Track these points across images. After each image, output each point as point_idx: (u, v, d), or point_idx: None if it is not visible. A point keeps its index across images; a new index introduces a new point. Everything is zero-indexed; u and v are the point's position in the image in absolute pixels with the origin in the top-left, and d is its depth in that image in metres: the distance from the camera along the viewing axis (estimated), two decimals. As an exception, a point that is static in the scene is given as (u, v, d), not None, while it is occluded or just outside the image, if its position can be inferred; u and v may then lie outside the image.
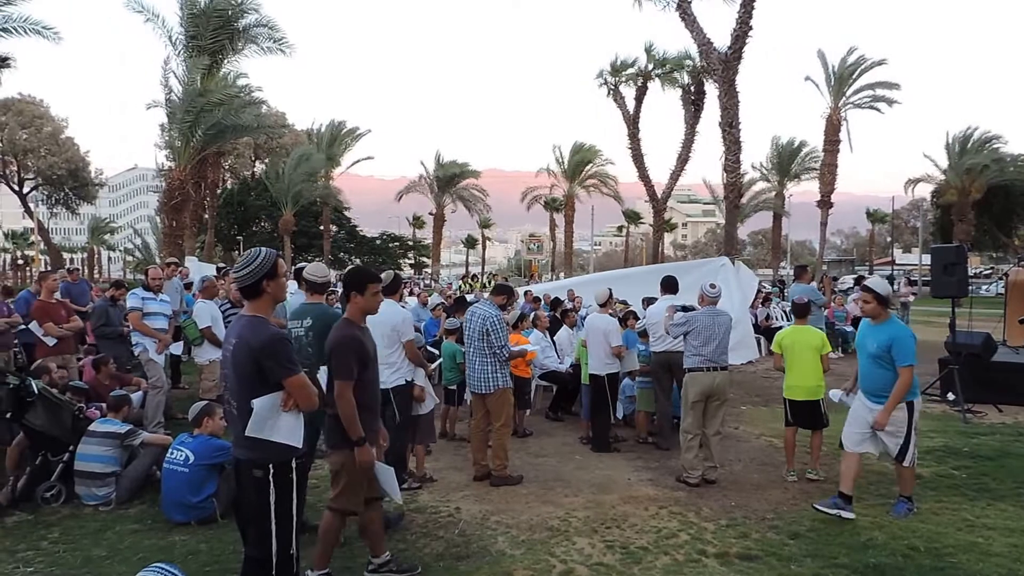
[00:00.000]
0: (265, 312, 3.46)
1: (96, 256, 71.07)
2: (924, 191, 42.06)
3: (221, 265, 16.50)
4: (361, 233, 56.61)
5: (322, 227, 47.97)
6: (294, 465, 3.41)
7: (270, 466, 3.35)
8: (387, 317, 6.00)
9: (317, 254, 49.73)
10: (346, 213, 54.14)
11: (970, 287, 11.29)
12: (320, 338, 4.70)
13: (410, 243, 60.77)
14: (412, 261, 61.24)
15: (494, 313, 6.66)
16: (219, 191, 43.40)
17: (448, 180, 49.42)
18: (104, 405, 6.69)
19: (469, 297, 14.57)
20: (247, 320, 3.42)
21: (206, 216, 35.09)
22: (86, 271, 62.25)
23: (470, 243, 73.06)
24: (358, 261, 50.10)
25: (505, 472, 6.62)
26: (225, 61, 24.20)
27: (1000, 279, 26.41)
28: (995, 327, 12.08)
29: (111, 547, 5.00)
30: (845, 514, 5.43)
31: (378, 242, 57.51)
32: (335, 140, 45.61)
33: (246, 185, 50.51)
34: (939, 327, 16.63)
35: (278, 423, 3.35)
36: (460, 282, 34.92)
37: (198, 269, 14.67)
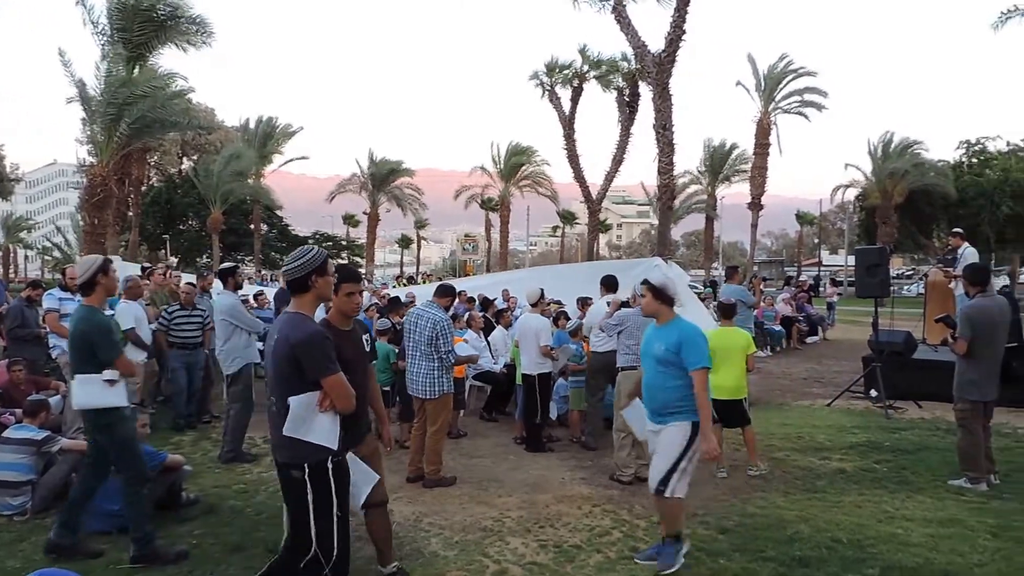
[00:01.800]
0: (309, 309, 3.51)
1: (12, 255, 67.93)
2: (851, 194, 43.47)
3: (146, 265, 15.94)
4: (293, 232, 55.60)
5: (252, 226, 46.94)
6: (330, 466, 3.43)
7: (305, 466, 3.38)
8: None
9: (247, 253, 48.64)
10: (278, 212, 53.07)
11: (892, 287, 11.77)
12: None
13: (344, 243, 59.92)
14: (346, 261, 60.40)
15: (443, 317, 6.63)
16: (144, 188, 42.01)
17: (383, 179, 48.88)
18: (19, 411, 6.39)
19: (404, 298, 14.43)
20: (289, 316, 3.48)
21: (130, 214, 33.91)
22: (0, 271, 59.48)
23: (405, 243, 72.45)
24: (290, 261, 49.14)
25: (438, 474, 6.59)
26: (152, 54, 23.53)
27: (920, 279, 27.59)
28: (916, 326, 12.59)
29: (26, 559, 4.78)
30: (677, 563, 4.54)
31: (311, 242, 56.55)
32: (267, 137, 44.67)
33: (173, 183, 49.05)
34: (863, 326, 17.26)
35: (314, 423, 3.37)
36: (395, 282, 34.56)
37: (122, 269, 14.12)
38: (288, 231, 54.91)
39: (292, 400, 3.33)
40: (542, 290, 8.95)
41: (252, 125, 45.34)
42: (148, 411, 8.49)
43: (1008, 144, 40.18)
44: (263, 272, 38.41)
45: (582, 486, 6.63)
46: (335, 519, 3.43)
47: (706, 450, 4.52)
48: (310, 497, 3.38)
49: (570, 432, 8.53)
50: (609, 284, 8.26)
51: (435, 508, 5.93)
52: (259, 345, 9.02)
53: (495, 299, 13.54)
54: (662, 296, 4.70)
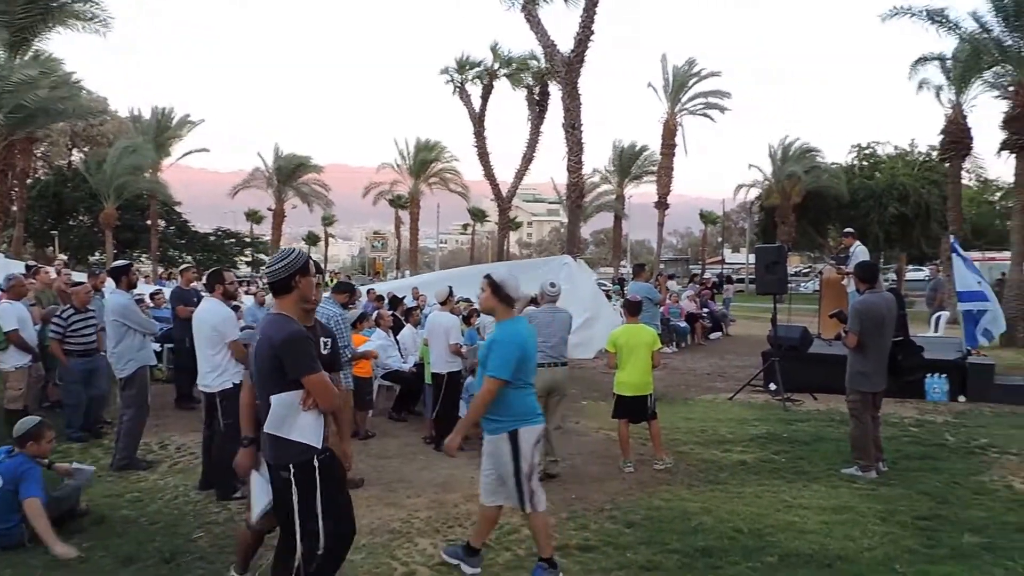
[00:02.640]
0: (291, 310, 3.54)
1: None
2: (752, 194, 45.20)
3: (31, 263, 14.97)
4: (193, 229, 53.48)
5: (149, 222, 44.92)
6: (316, 464, 3.43)
7: (291, 466, 3.41)
8: (208, 316, 5.70)
9: (143, 250, 46.51)
10: (176, 207, 50.98)
11: (790, 284, 12.29)
12: None
13: (247, 240, 58.07)
14: (249, 259, 58.60)
15: (337, 312, 6.53)
16: (30, 181, 39.52)
17: (289, 174, 47.65)
18: None
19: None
20: (273, 317, 3.54)
21: (14, 208, 31.85)
22: None
23: (312, 240, 70.88)
24: (189, 259, 47.32)
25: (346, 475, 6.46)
26: (37, 38, 22.05)
27: (816, 277, 28.92)
28: (812, 321, 13.22)
29: None
30: (466, 568, 4.63)
31: (212, 238, 54.55)
32: (164, 128, 42.78)
33: (62, 176, 46.30)
34: (764, 322, 17.95)
35: (297, 422, 3.41)
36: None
37: (4, 266, 13.23)
38: (188, 227, 52.76)
39: (274, 399, 3.39)
40: (451, 288, 8.92)
41: (147, 116, 43.36)
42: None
43: (895, 148, 42.68)
44: (160, 270, 36.77)
45: (492, 485, 6.64)
46: (320, 519, 3.42)
47: (447, 447, 4.57)
48: (295, 498, 3.40)
49: (480, 430, 8.51)
50: None
51: (341, 512, 5.81)
52: (155, 347, 8.61)
53: (404, 297, 13.42)
54: (499, 293, 4.46)
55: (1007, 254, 19.49)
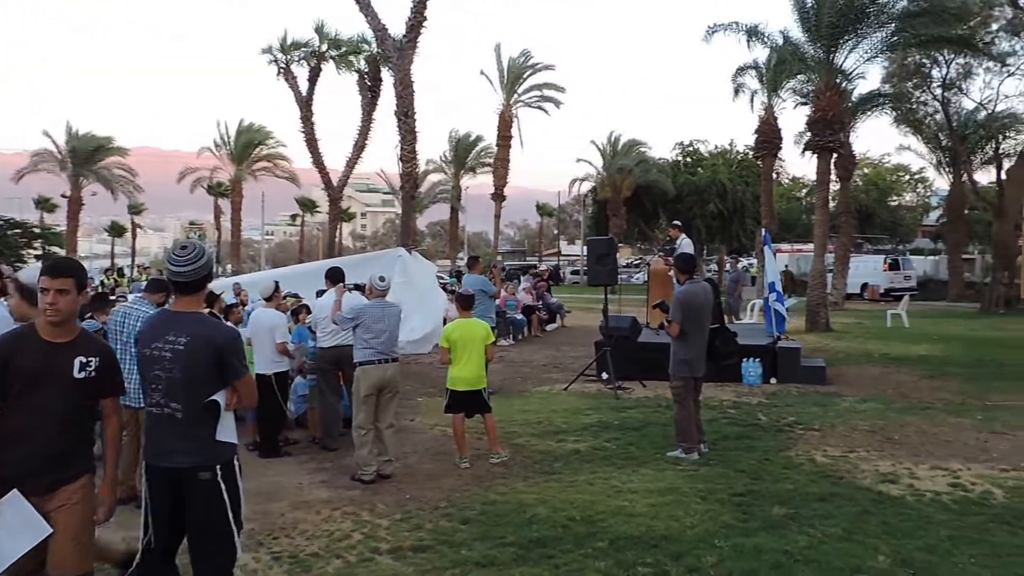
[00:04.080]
0: (201, 308, 3.64)
1: None
2: (586, 187, 47.06)
3: None
4: (-34, 217, 48.18)
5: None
6: (236, 463, 3.52)
7: (218, 467, 3.42)
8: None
9: (-93, 242, 41.31)
10: (-51, 193, 45.78)
11: (621, 276, 12.91)
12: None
13: (36, 230, 53.01)
14: (40, 252, 53.60)
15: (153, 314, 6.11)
16: None
17: (86, 156, 43.92)
18: None
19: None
20: (198, 316, 3.55)
21: None
22: None
23: (117, 231, 65.93)
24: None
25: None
26: None
27: (645, 268, 30.59)
28: (641, 311, 13.95)
29: None
30: None
31: (-6, 228, 49.48)
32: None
33: None
34: (598, 312, 18.74)
35: (223, 422, 3.47)
36: (104, 276, 31.30)
37: None
38: (-41, 216, 47.46)
39: (218, 399, 3.42)
40: (276, 283, 8.62)
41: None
42: None
43: (716, 147, 45.89)
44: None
45: (321, 489, 6.52)
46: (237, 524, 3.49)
47: None
48: (226, 496, 3.41)
49: (310, 432, 8.34)
50: (334, 277, 8.10)
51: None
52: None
53: (221, 294, 12.78)
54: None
55: (812, 246, 21.53)
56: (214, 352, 3.39)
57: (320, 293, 9.97)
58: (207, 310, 5.92)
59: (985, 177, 34.05)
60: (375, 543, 5.17)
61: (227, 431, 3.50)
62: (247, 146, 44.84)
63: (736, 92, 27.05)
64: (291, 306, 9.78)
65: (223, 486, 3.41)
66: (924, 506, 5.74)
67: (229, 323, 7.57)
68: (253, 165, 45.72)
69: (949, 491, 6.07)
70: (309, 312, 9.13)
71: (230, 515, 3.44)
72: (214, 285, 16.17)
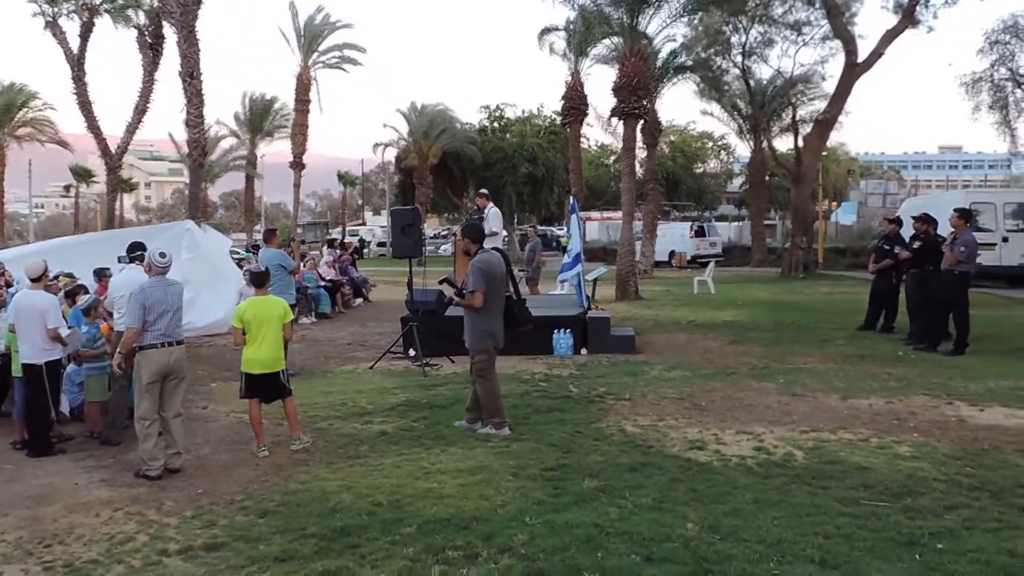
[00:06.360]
0: None
1: None
2: (391, 155, 46.44)
3: None
4: None
5: None
6: None
7: None
8: None
9: None
10: None
11: (429, 247, 12.87)
12: None
13: None
14: None
15: None
16: None
17: None
18: None
19: None
20: None
21: None
22: None
23: None
24: None
25: None
26: None
27: (453, 239, 30.79)
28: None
29: None
30: None
31: None
32: None
33: None
34: (404, 286, 18.67)
35: None
36: None
37: None
38: None
39: None
40: (45, 262, 7.81)
41: None
42: None
43: (523, 112, 46.73)
44: None
45: (101, 489, 6.08)
46: None
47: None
48: None
49: (88, 427, 7.72)
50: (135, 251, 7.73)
51: None
52: None
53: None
54: None
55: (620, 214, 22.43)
56: None
57: (100, 272, 9.23)
58: None
59: (784, 144, 36.47)
60: (163, 544, 4.89)
61: None
62: (8, 108, 40.30)
63: (550, 53, 27.43)
64: (63, 287, 8.91)
65: None
66: (730, 471, 6.11)
67: None
68: (17, 130, 41.20)
69: (753, 455, 6.50)
70: (86, 292, 8.39)
71: None
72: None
